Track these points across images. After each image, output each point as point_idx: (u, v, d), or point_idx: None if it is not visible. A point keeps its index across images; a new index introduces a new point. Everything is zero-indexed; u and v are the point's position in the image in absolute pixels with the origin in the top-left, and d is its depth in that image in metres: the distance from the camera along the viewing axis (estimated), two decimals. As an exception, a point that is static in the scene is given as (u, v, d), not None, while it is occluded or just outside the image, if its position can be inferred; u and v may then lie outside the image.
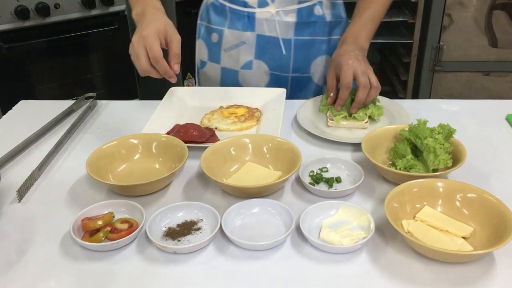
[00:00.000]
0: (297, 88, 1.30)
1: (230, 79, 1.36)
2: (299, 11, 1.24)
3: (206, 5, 1.35)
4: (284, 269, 0.75)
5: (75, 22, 2.29)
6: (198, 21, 1.39)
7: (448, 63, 2.59)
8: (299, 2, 1.24)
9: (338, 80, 1.13)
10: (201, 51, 1.40)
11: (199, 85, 1.47)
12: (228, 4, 1.27)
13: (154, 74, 1.00)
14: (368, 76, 1.09)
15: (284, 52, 1.27)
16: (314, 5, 1.25)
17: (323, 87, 1.36)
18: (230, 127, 1.13)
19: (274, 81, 1.33)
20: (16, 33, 2.16)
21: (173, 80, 1.00)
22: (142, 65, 0.98)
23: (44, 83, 2.34)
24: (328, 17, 1.28)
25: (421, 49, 2.61)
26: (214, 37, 1.33)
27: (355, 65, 1.09)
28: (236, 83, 1.36)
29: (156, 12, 1.07)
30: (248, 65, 1.32)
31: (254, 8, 1.25)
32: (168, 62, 1.00)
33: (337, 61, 1.13)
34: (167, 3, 2.50)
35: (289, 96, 1.27)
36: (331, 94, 1.14)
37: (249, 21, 1.26)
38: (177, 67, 1.00)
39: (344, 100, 1.12)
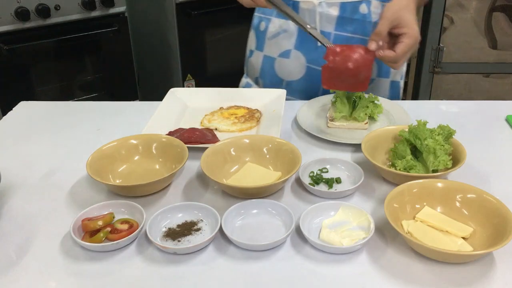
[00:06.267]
0: None
1: (268, 67, 1.37)
2: (343, 6, 1.22)
3: None
4: (284, 270, 0.75)
5: (75, 23, 2.29)
6: (255, 13, 1.41)
7: (448, 65, 2.60)
8: None
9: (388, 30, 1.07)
10: (251, 41, 1.43)
11: (247, 74, 1.49)
12: None
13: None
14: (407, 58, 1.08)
15: (319, 44, 1.23)
16: (360, 2, 1.22)
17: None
18: (230, 128, 1.13)
19: (309, 75, 1.31)
20: (16, 34, 2.16)
21: None
22: (245, 3, 1.13)
23: (44, 84, 2.34)
24: (375, 17, 1.24)
25: (421, 50, 2.61)
26: (262, 25, 1.36)
27: (417, 35, 1.05)
28: (273, 72, 1.36)
29: None
30: (286, 54, 1.32)
31: None
32: None
33: (406, 18, 1.04)
34: (167, 5, 2.51)
35: (323, 93, 1.28)
36: (380, 42, 1.05)
37: (293, 10, 1.25)
38: None
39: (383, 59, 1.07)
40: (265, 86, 1.40)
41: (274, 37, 1.32)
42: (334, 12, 1.23)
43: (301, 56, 1.30)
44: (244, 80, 1.49)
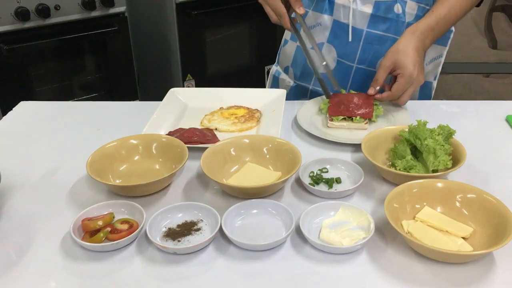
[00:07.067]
0: (359, 81, 1.28)
1: (300, 58, 1.38)
2: (377, 4, 1.23)
3: None
4: (284, 269, 0.75)
5: (75, 23, 2.29)
6: None
7: (448, 65, 2.59)
8: None
9: (389, 72, 1.15)
10: (287, 31, 1.44)
11: (278, 63, 1.51)
12: None
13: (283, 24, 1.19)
14: (409, 94, 1.14)
15: (350, 39, 1.27)
16: (395, 1, 1.23)
17: (384, 84, 1.30)
18: (230, 128, 1.13)
19: (339, 69, 1.32)
20: (16, 34, 2.16)
21: (301, 11, 1.18)
22: (273, 20, 1.19)
23: (44, 84, 2.34)
24: (409, 18, 1.25)
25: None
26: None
27: (416, 79, 1.11)
28: (304, 63, 1.37)
29: None
30: (319, 47, 1.31)
31: None
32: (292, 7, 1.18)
33: (400, 61, 1.12)
34: (167, 5, 2.51)
35: (351, 86, 1.30)
36: (377, 88, 1.16)
37: (329, 5, 1.28)
38: (301, 10, 1.18)
39: (382, 100, 1.17)
40: (295, 75, 1.41)
41: (309, 29, 1.33)
42: (368, 10, 1.24)
43: (333, 50, 1.31)
44: (274, 68, 1.52)
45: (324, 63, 1.20)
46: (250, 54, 2.85)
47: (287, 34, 1.45)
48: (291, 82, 1.43)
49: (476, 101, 1.30)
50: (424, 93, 1.37)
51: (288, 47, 1.43)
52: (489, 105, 1.27)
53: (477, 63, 2.61)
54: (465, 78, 2.66)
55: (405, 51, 1.12)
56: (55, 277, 0.74)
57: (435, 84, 1.39)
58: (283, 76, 1.46)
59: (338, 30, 1.29)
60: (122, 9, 2.39)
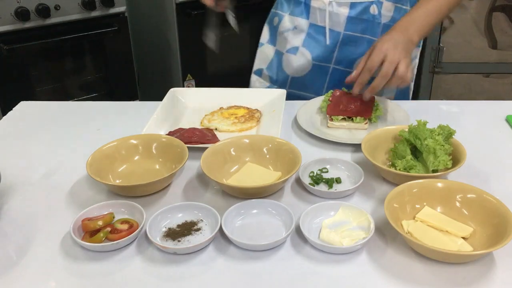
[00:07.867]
0: (336, 81, 1.28)
1: (276, 61, 1.40)
2: (353, 5, 1.24)
3: None
4: (284, 269, 0.75)
5: (75, 23, 2.29)
6: (271, 9, 1.43)
7: (448, 65, 2.60)
8: None
9: None
10: (264, 35, 1.46)
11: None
12: None
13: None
14: (396, 66, 1.06)
15: (327, 42, 1.27)
16: (371, 3, 1.24)
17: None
18: (230, 128, 1.13)
19: (316, 71, 1.33)
20: (16, 34, 2.15)
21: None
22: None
23: (44, 85, 2.34)
24: (384, 19, 1.26)
25: (421, 50, 2.61)
26: (276, 20, 1.39)
27: (388, 51, 1.07)
28: (279, 67, 1.38)
29: None
30: (293, 50, 1.34)
31: None
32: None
33: (375, 44, 1.11)
34: (167, 5, 2.51)
35: (327, 89, 1.30)
36: (354, 73, 1.13)
37: (305, 8, 1.29)
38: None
39: (362, 84, 1.11)
40: (270, 78, 1.42)
41: (284, 32, 1.34)
42: (344, 11, 1.24)
43: (307, 53, 1.31)
44: (253, 75, 1.51)
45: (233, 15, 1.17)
46: (250, 54, 2.85)
47: (263, 39, 1.45)
48: (263, 84, 1.43)
49: (476, 101, 1.30)
50: (402, 95, 1.38)
51: (265, 49, 1.43)
52: (489, 105, 1.27)
53: (477, 63, 2.61)
54: (465, 78, 2.66)
55: (381, 37, 1.13)
56: (55, 277, 0.74)
57: (412, 85, 1.41)
58: (259, 79, 1.45)
59: (315, 33, 1.29)
60: (122, 9, 2.39)
